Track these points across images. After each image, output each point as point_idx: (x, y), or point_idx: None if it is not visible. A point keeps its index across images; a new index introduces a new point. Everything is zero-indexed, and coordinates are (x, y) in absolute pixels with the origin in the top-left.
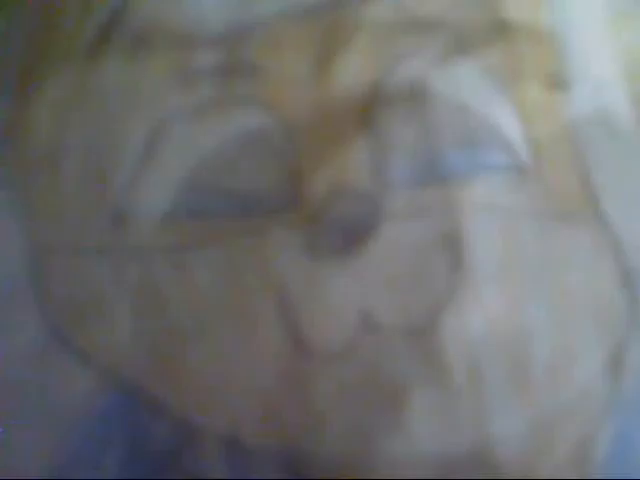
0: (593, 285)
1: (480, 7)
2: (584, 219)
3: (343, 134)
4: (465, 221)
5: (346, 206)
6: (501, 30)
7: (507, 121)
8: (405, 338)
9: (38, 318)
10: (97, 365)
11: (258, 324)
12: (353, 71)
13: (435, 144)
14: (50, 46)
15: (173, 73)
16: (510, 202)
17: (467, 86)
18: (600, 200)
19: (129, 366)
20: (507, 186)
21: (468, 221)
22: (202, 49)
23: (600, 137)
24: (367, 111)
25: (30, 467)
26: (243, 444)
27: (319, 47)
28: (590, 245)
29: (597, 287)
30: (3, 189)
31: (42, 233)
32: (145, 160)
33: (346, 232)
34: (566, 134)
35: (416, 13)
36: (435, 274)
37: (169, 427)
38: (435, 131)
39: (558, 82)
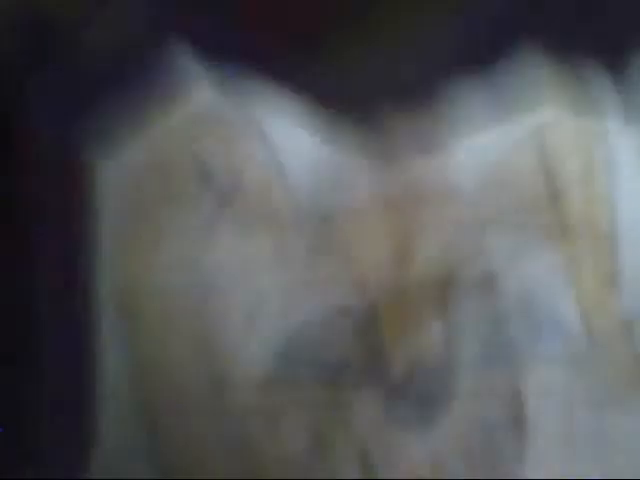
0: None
1: (544, 207)
2: (635, 404)
3: (420, 315)
4: (528, 404)
5: (422, 382)
6: (564, 229)
7: (567, 314)
8: None
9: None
10: None
11: None
12: (429, 258)
13: (502, 330)
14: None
15: (271, 252)
16: (568, 388)
17: (533, 281)
18: None
19: None
20: (566, 373)
21: (531, 404)
22: (296, 231)
23: None
24: (442, 296)
25: None
26: None
27: (398, 231)
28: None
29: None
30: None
31: (151, 390)
32: (244, 331)
33: (421, 405)
34: (620, 327)
35: (484, 209)
36: (502, 450)
37: None
38: (502, 318)
39: (613, 279)
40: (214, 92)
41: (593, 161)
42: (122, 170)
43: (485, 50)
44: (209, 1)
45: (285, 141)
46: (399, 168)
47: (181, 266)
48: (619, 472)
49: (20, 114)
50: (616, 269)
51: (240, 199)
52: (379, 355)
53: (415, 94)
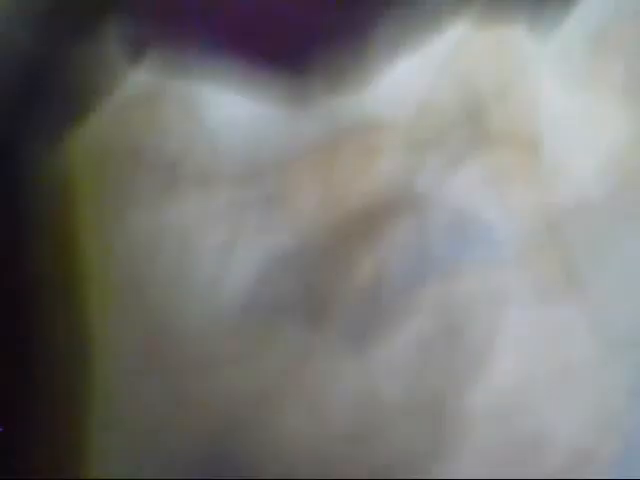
0: (575, 356)
1: (466, 119)
2: (566, 299)
3: (350, 245)
4: (461, 308)
5: (355, 305)
6: (486, 141)
7: (496, 215)
8: (413, 417)
9: None
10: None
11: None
12: (358, 190)
13: (433, 242)
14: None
15: (201, 209)
16: (499, 288)
17: (459, 187)
18: (582, 281)
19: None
20: (496, 274)
21: (463, 308)
22: (224, 185)
23: (582, 226)
24: (375, 223)
25: None
26: None
27: (328, 170)
28: (572, 321)
29: (576, 358)
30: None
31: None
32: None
33: (357, 329)
34: (550, 225)
35: (408, 135)
36: (439, 359)
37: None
38: (432, 231)
39: (544, 176)
40: (147, 73)
41: (510, 69)
42: (65, 161)
43: None
44: None
45: (217, 109)
46: (324, 110)
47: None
48: (559, 366)
49: None
50: (544, 169)
51: (177, 170)
52: (316, 292)
53: (334, 34)
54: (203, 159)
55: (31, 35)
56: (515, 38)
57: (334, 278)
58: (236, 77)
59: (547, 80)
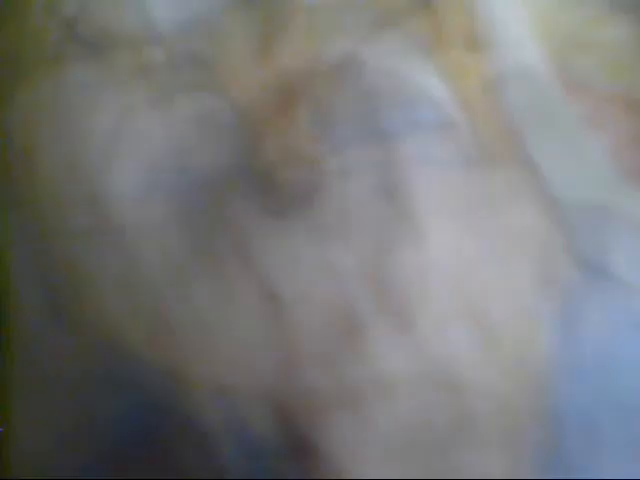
0: (520, 217)
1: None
2: (510, 162)
3: (287, 107)
4: (403, 174)
5: (294, 170)
6: (422, 3)
7: (432, 81)
8: (359, 279)
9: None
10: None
11: (233, 283)
12: (291, 51)
13: (370, 107)
14: (16, 53)
15: (131, 69)
16: (442, 153)
17: (393, 54)
18: (524, 143)
19: (117, 333)
20: (438, 139)
21: (406, 173)
22: (153, 47)
23: (520, 89)
24: (306, 85)
25: None
26: (230, 390)
27: (260, 33)
28: (515, 183)
29: (523, 219)
30: None
31: (29, 221)
32: (113, 146)
33: (296, 193)
34: (489, 88)
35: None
36: (381, 222)
37: (159, 381)
38: (368, 96)
39: (478, 43)
40: None
41: None
42: None
43: None
44: None
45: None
46: None
47: (39, 96)
48: (493, 237)
49: None
50: (480, 31)
51: (113, 53)
52: (251, 154)
53: None
54: (130, 18)
55: None
56: None
57: (269, 141)
58: None
59: None
